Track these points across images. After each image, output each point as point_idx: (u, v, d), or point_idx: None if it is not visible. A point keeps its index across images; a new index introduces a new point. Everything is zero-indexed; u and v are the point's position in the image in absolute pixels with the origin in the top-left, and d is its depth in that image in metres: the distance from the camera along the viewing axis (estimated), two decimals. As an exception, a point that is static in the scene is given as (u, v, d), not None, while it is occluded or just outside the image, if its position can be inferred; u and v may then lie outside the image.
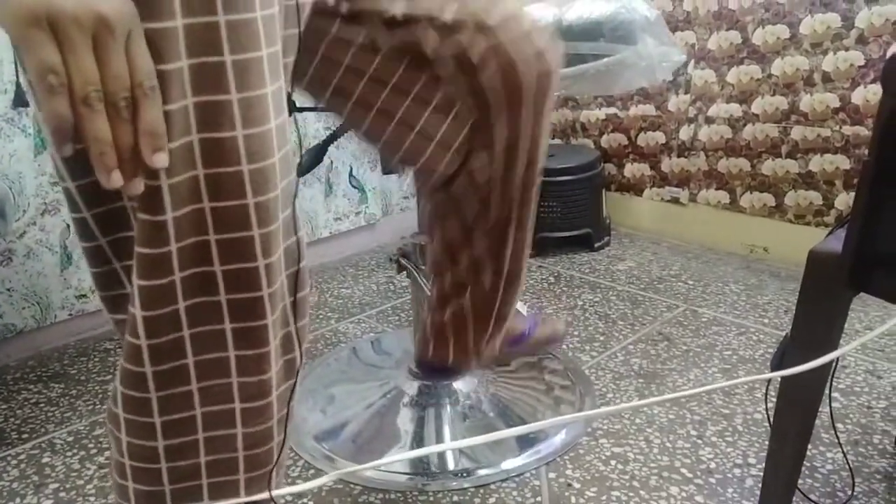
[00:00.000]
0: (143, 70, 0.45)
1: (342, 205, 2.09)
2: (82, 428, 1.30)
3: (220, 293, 0.55)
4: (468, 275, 0.92)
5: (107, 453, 1.22)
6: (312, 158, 1.16)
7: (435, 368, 1.04)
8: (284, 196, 0.57)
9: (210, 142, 0.51)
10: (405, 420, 1.26)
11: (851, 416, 1.24)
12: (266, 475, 0.63)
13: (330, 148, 1.48)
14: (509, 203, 0.88)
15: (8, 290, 1.53)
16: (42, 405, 1.38)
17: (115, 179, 0.45)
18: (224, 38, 0.49)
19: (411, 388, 1.32)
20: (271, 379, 0.59)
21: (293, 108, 1.20)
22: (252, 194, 0.53)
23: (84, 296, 1.64)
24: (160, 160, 0.47)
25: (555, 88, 0.81)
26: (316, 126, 1.94)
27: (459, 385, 1.32)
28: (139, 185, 0.48)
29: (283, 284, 0.58)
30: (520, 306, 1.06)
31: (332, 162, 2.03)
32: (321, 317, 1.74)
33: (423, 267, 1.23)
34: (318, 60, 0.59)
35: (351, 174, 2.09)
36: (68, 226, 1.58)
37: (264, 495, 0.62)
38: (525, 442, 1.19)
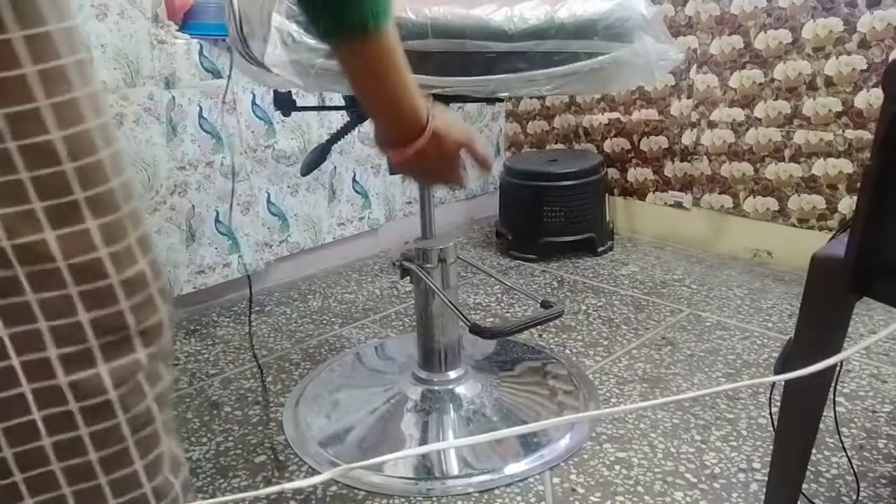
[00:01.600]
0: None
1: (345, 210, 2.10)
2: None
3: None
4: None
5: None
6: (314, 159, 1.16)
7: None
8: (123, 191, 0.58)
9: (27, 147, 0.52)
10: (409, 425, 1.27)
11: (856, 420, 1.24)
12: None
13: (334, 153, 1.48)
14: None
15: None
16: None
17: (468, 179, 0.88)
18: (23, 51, 0.51)
19: (415, 393, 1.32)
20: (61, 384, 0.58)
21: (293, 108, 1.21)
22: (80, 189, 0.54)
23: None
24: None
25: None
26: (319, 132, 1.94)
27: (463, 390, 1.32)
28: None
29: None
30: None
31: (335, 167, 2.04)
32: (325, 322, 1.74)
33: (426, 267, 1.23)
34: None
35: (354, 179, 2.09)
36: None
37: (254, 493, 0.62)
38: (529, 447, 1.19)
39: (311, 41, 0.83)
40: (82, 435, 0.60)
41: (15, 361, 0.56)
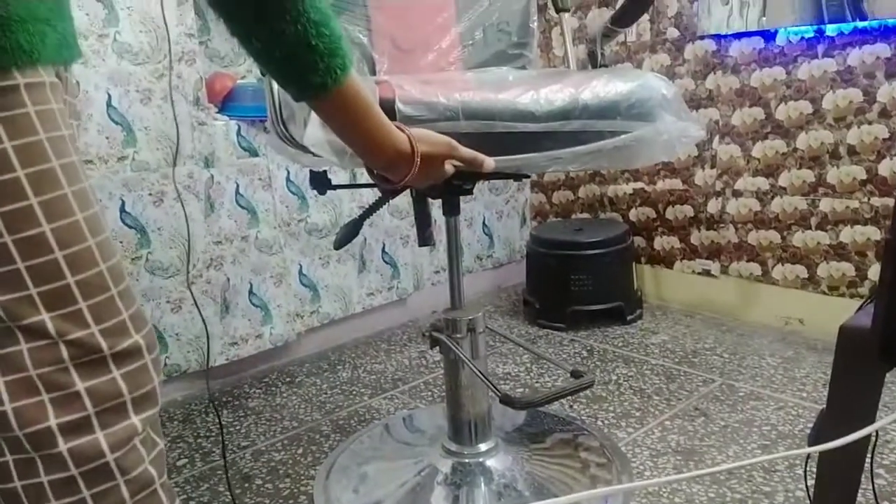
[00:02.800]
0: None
1: (375, 280, 2.13)
2: None
3: None
4: None
5: None
6: (347, 233, 1.20)
7: None
8: (115, 274, 0.66)
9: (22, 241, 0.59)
10: (439, 499, 1.26)
11: (899, 494, 1.21)
12: None
13: (364, 225, 1.52)
14: None
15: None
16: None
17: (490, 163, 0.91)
18: (13, 158, 0.58)
19: (445, 465, 1.32)
20: None
21: (329, 186, 1.26)
22: (70, 274, 0.62)
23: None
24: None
25: None
26: (350, 206, 2.00)
27: (494, 463, 1.31)
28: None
29: None
30: None
31: (365, 239, 2.08)
32: (354, 393, 1.75)
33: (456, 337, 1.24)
34: None
35: (384, 250, 2.14)
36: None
37: None
38: (561, 521, 1.17)
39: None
40: (85, 497, 0.63)
41: (18, 433, 0.60)
